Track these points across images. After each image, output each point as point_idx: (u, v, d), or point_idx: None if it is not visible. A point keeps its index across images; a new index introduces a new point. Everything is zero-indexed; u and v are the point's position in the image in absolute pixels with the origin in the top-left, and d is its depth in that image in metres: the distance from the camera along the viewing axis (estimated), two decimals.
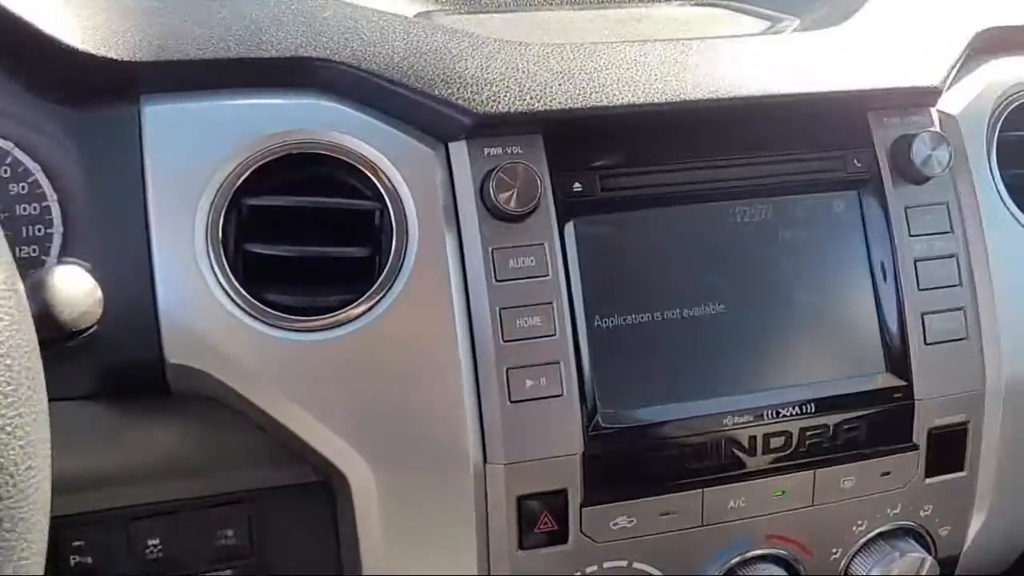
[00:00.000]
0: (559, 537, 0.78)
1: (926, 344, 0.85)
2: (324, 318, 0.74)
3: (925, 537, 0.89)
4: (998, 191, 0.90)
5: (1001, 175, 0.91)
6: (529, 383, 0.76)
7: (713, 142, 0.83)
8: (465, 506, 0.76)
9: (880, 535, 0.88)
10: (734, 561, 0.84)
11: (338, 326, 0.74)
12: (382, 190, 0.76)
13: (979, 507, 0.91)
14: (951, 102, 0.91)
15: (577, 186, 0.79)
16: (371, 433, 0.75)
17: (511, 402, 0.76)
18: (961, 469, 0.89)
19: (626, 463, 0.79)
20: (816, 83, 0.84)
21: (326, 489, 0.79)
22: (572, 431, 0.77)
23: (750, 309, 0.82)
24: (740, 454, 0.82)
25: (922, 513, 0.89)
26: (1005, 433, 0.89)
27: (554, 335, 0.77)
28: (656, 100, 0.79)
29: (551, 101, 0.77)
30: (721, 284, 0.82)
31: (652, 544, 0.81)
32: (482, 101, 0.76)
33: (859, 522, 0.87)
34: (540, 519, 0.78)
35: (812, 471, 0.84)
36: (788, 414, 0.82)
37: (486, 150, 0.78)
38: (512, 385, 0.76)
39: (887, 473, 0.86)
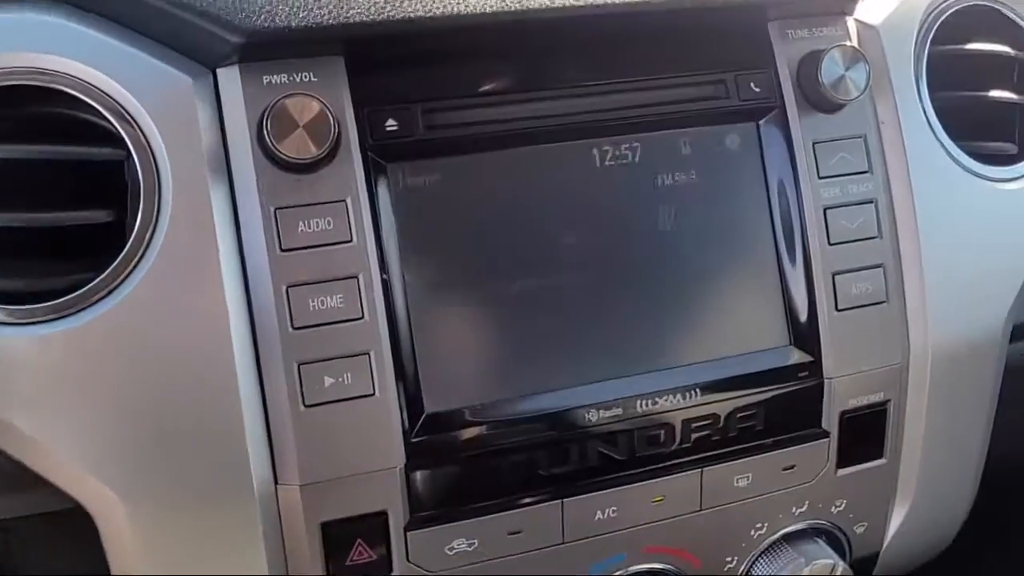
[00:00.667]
0: (380, 567, 0.63)
1: (837, 311, 0.70)
2: (50, 304, 0.56)
3: (838, 537, 0.75)
4: (927, 120, 0.73)
5: (931, 99, 0.75)
6: (329, 381, 0.59)
7: (568, 66, 0.65)
8: (252, 540, 0.60)
9: (785, 537, 0.73)
10: None
11: (69, 314, 0.56)
12: (124, 134, 0.57)
13: (901, 499, 0.77)
14: (871, 10, 0.74)
15: (392, 124, 0.61)
16: (118, 454, 0.57)
17: (306, 406, 0.59)
18: (880, 456, 0.74)
19: (462, 474, 0.63)
20: None
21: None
22: (389, 439, 0.61)
23: (619, 275, 0.66)
24: (609, 454, 0.66)
25: (834, 510, 0.74)
26: (932, 410, 0.74)
27: (361, 318, 0.60)
28: (491, 10, 0.61)
29: (350, 11, 0.59)
30: (582, 245, 0.65)
31: (500, 568, 0.65)
32: (255, 10, 0.58)
33: (758, 525, 0.72)
34: (353, 549, 0.62)
35: (698, 470, 0.68)
36: (667, 404, 0.66)
37: (266, 78, 0.59)
38: (306, 384, 0.59)
39: (791, 467, 0.71)
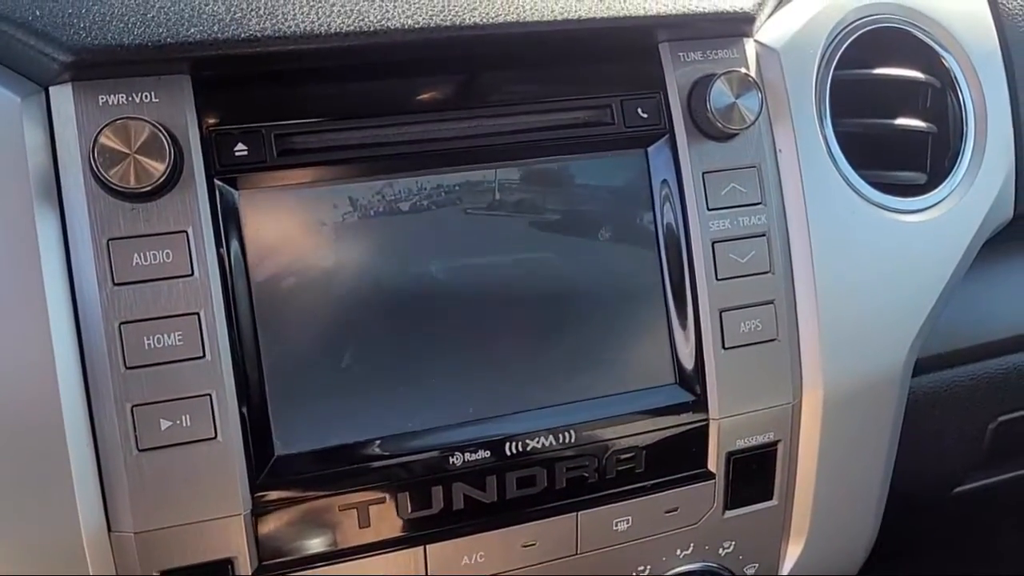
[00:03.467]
0: None
1: (724, 349, 0.66)
2: None
3: None
4: (828, 148, 0.70)
5: (835, 126, 0.72)
6: (166, 424, 0.56)
7: (437, 88, 0.61)
8: None
9: None
10: None
11: None
12: None
13: (795, 538, 0.74)
14: (773, 31, 0.70)
15: (241, 148, 0.57)
16: None
17: (140, 450, 0.55)
18: (770, 498, 0.71)
19: (316, 519, 0.60)
20: (586, 4, 0.62)
21: None
22: (232, 484, 0.57)
23: (491, 311, 0.62)
24: (476, 498, 0.63)
25: (722, 552, 0.71)
26: (825, 450, 0.71)
27: (202, 357, 0.56)
28: (347, 29, 0.57)
29: (190, 29, 0.55)
30: (451, 280, 0.61)
31: None
32: (85, 27, 0.54)
33: (640, 568, 0.69)
34: None
35: (574, 514, 0.65)
36: (539, 445, 0.63)
37: (102, 97, 0.55)
38: (140, 427, 0.55)
39: (674, 509, 0.68)
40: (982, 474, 0.97)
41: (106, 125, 0.52)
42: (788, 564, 0.75)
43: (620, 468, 0.66)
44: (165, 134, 0.53)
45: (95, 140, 0.52)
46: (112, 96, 0.55)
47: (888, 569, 1.01)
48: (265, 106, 0.58)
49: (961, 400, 0.85)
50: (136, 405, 0.55)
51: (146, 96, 0.56)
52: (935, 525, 1.04)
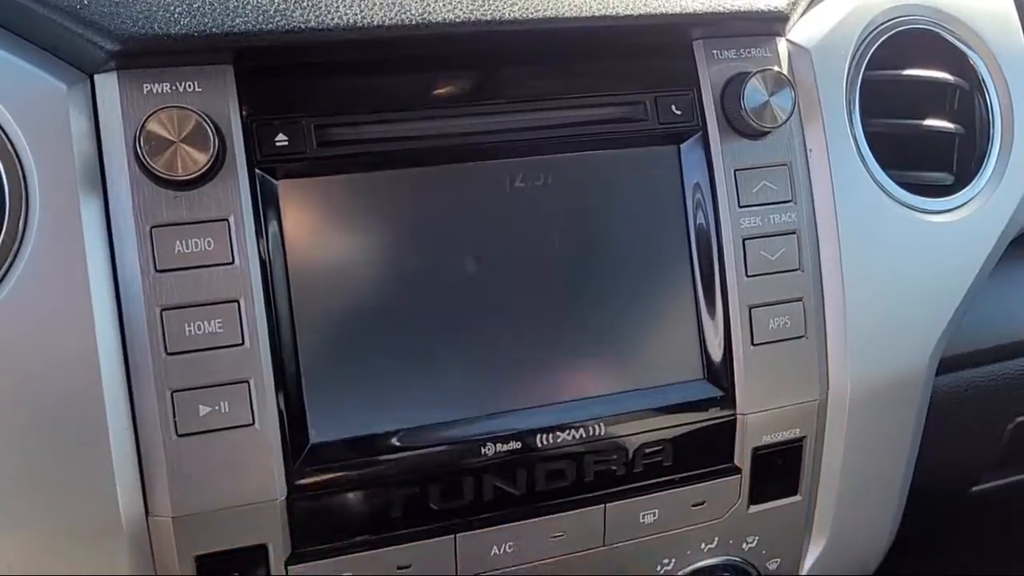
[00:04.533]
0: None
1: (753, 345, 0.67)
2: None
3: (749, 573, 0.73)
4: (857, 147, 0.71)
5: (865, 126, 0.72)
6: (205, 410, 0.56)
7: (476, 82, 0.62)
8: (121, 573, 0.57)
9: (694, 573, 0.71)
10: None
11: None
12: None
13: (817, 535, 0.75)
14: (806, 30, 0.71)
15: (282, 139, 0.58)
16: None
17: (179, 435, 0.56)
18: (795, 493, 0.72)
19: (349, 506, 0.60)
20: (624, 0, 0.63)
21: None
22: (268, 470, 0.58)
23: (525, 304, 0.63)
24: (506, 488, 0.63)
25: (745, 546, 0.72)
26: (850, 448, 0.72)
27: (242, 344, 0.56)
28: (389, 22, 0.58)
29: (235, 19, 0.55)
30: (486, 272, 0.62)
31: None
32: (132, 16, 0.54)
33: (665, 560, 0.70)
34: None
35: (602, 506, 0.66)
36: (569, 438, 0.64)
37: (146, 86, 0.55)
38: (179, 413, 0.56)
39: (701, 503, 0.69)
40: (999, 474, 0.98)
41: (153, 113, 0.53)
42: (809, 560, 0.76)
43: (648, 461, 0.66)
44: (209, 123, 0.54)
45: (141, 127, 0.53)
46: (156, 85, 0.56)
47: (903, 566, 1.02)
48: (305, 97, 0.59)
49: (981, 400, 0.86)
50: (176, 391, 0.56)
51: (190, 85, 0.57)
52: (951, 523, 1.05)
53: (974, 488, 0.98)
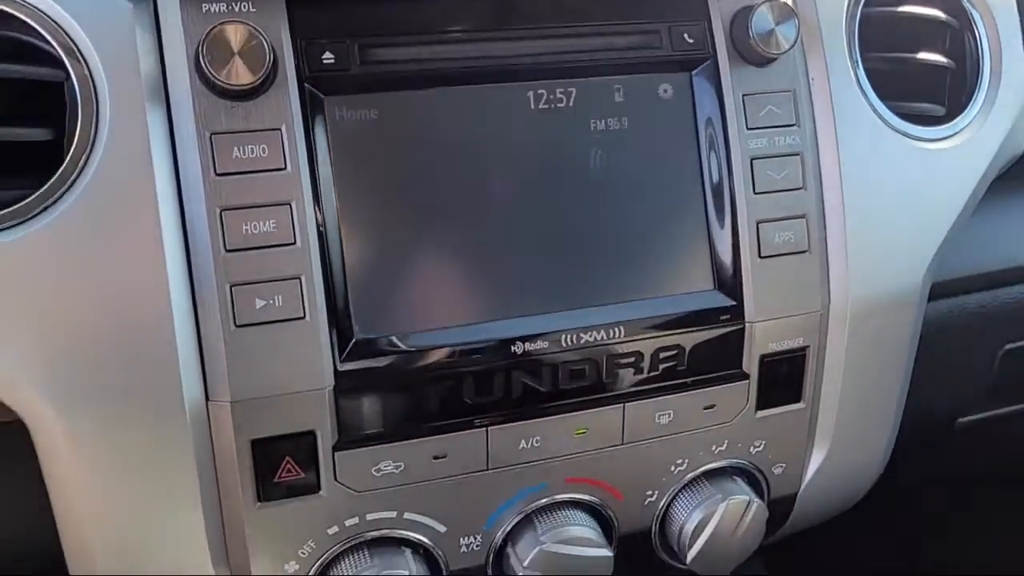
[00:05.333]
0: (309, 487, 0.65)
1: (760, 258, 0.72)
2: None
3: (756, 476, 0.78)
4: (856, 78, 0.76)
5: (863, 59, 0.77)
6: (260, 303, 0.61)
7: (507, 9, 0.67)
8: (184, 455, 0.62)
9: (704, 474, 0.77)
10: (529, 509, 0.72)
11: (6, 228, 0.58)
12: (63, 55, 0.59)
13: (819, 442, 0.80)
14: None
15: (328, 57, 0.63)
16: (52, 366, 0.59)
17: (237, 326, 0.61)
18: (798, 400, 0.77)
19: (389, 399, 0.65)
20: None
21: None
22: (317, 361, 0.63)
23: (549, 215, 0.68)
24: (533, 386, 0.68)
25: (752, 450, 0.77)
26: (850, 359, 0.77)
27: (293, 243, 0.62)
28: None
29: None
30: (514, 184, 0.67)
31: (426, 491, 0.68)
32: None
33: (678, 461, 0.75)
34: (282, 466, 0.64)
35: (621, 405, 0.71)
36: (592, 339, 0.69)
37: (205, 6, 0.61)
38: (238, 305, 0.61)
39: (711, 407, 0.74)
40: (986, 406, 1.03)
41: (216, 26, 0.58)
42: (812, 467, 0.81)
43: (663, 365, 0.71)
44: (264, 38, 0.59)
45: (205, 38, 0.58)
46: (214, 5, 0.61)
47: (888, 502, 1.07)
48: (350, 20, 0.64)
49: (970, 327, 0.92)
50: (235, 285, 0.61)
51: (244, 6, 0.62)
52: (938, 455, 1.10)
53: (961, 420, 1.03)
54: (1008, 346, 0.94)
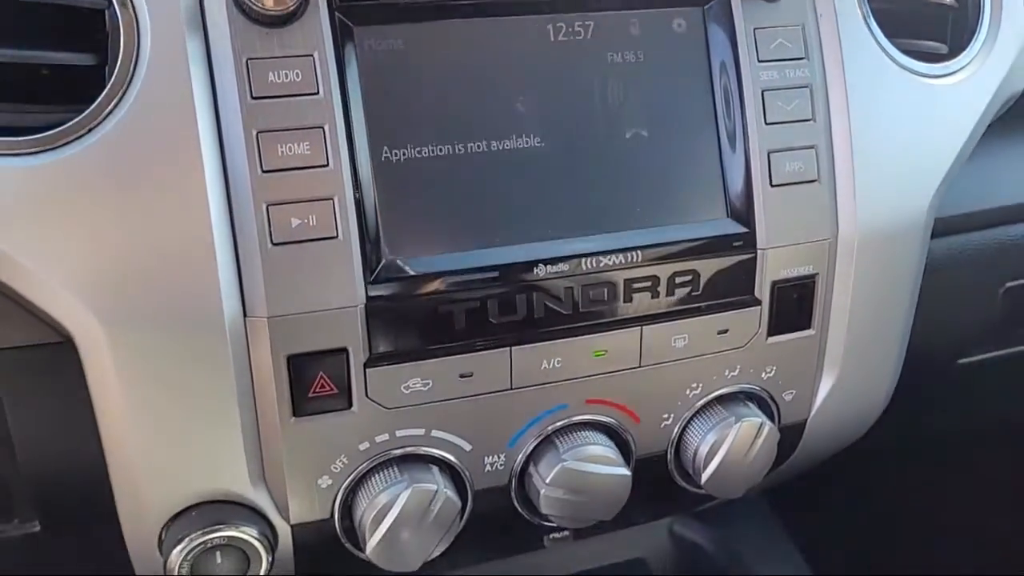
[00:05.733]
0: (341, 402, 0.68)
1: (772, 186, 0.75)
2: (35, 138, 0.60)
3: (767, 402, 0.81)
4: (863, 15, 0.79)
5: None
6: (296, 222, 0.64)
7: None
8: (223, 369, 0.64)
9: (717, 399, 0.80)
10: (550, 429, 0.75)
11: (53, 148, 0.60)
12: None
13: (828, 369, 0.83)
14: None
15: None
16: (99, 281, 0.62)
17: (273, 244, 0.64)
18: (808, 327, 0.80)
19: (418, 318, 0.68)
20: None
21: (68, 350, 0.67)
22: (350, 279, 0.65)
23: (569, 143, 0.71)
24: (554, 308, 0.71)
25: (764, 376, 0.80)
26: (858, 287, 0.80)
27: (327, 166, 0.64)
28: None
29: None
30: (535, 113, 0.70)
31: (453, 409, 0.71)
32: None
33: (693, 385, 0.78)
34: (316, 382, 0.67)
35: (639, 328, 0.74)
36: (610, 263, 0.72)
37: None
38: (274, 223, 0.63)
39: (725, 331, 0.77)
40: (987, 347, 1.06)
41: None
42: (821, 394, 0.84)
43: (679, 290, 0.74)
44: None
45: None
46: None
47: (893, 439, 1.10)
48: None
49: (972, 265, 0.94)
50: (271, 204, 0.63)
51: None
52: (939, 401, 1.13)
53: (962, 360, 1.06)
54: (1009, 284, 0.96)
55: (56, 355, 0.68)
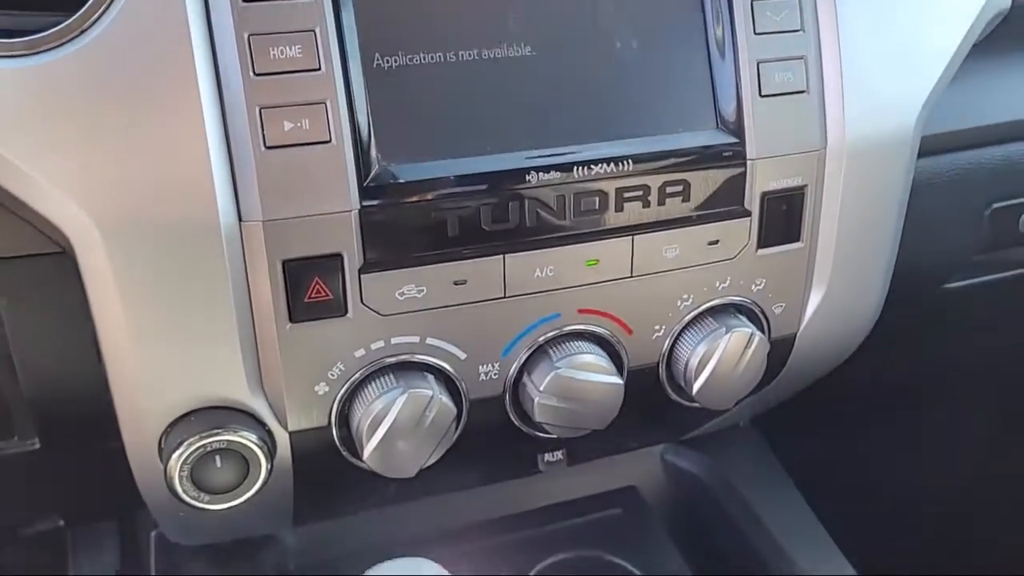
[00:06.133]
0: (336, 308, 0.69)
1: (761, 97, 0.75)
2: (27, 40, 0.60)
3: (757, 315, 0.82)
4: None
5: None
6: (288, 125, 0.64)
7: None
8: (219, 275, 0.65)
9: (708, 311, 0.81)
10: (543, 339, 0.76)
11: (45, 50, 0.60)
12: None
13: (817, 283, 0.84)
14: None
15: None
16: (94, 184, 0.62)
17: (267, 148, 0.64)
18: (798, 240, 0.81)
19: (411, 224, 0.68)
20: None
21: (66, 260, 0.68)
22: (343, 185, 0.66)
23: (561, 51, 0.71)
24: (547, 216, 0.72)
25: (754, 288, 0.81)
26: (847, 200, 0.81)
27: (319, 70, 0.64)
28: None
29: None
30: (527, 21, 0.70)
31: (447, 317, 0.72)
32: None
33: (684, 297, 0.79)
34: (311, 287, 0.68)
35: (630, 237, 0.75)
36: (602, 171, 0.72)
37: None
38: (267, 127, 0.64)
39: (715, 242, 0.78)
40: (972, 272, 1.08)
41: None
42: (810, 308, 0.85)
43: (670, 199, 0.75)
44: None
45: None
46: None
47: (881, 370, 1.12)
48: None
49: (958, 184, 0.95)
50: (264, 107, 0.64)
51: None
52: (926, 323, 1.14)
53: (946, 285, 1.07)
54: (996, 205, 0.98)
55: (55, 265, 0.68)
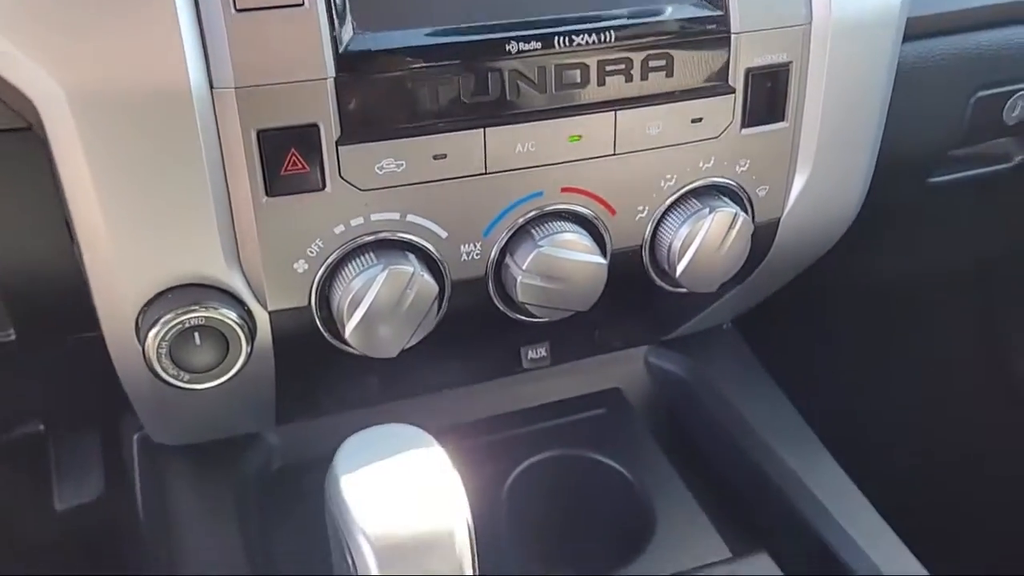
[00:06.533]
0: (314, 181, 0.67)
1: None
2: None
3: (741, 197, 0.81)
4: None
5: None
6: None
7: None
8: (192, 145, 0.63)
9: (691, 193, 0.80)
10: (524, 219, 0.75)
11: None
12: None
13: (801, 165, 0.83)
14: None
15: None
16: (62, 51, 0.60)
17: (237, 11, 0.62)
18: (782, 119, 0.80)
19: (389, 94, 0.67)
20: None
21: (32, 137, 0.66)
22: (317, 51, 0.64)
23: None
24: (528, 88, 0.70)
25: (738, 169, 0.80)
26: (832, 80, 0.79)
27: None
28: None
29: None
30: None
31: (428, 194, 0.71)
32: None
33: (667, 176, 0.78)
34: (288, 159, 0.66)
35: (612, 112, 0.73)
36: (583, 43, 0.70)
37: None
38: None
39: (699, 120, 0.76)
40: (956, 166, 1.07)
41: None
42: (794, 192, 0.84)
43: (652, 74, 0.73)
44: None
45: None
46: None
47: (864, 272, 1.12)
48: None
49: (943, 70, 0.94)
50: None
51: None
52: (909, 222, 1.15)
53: (931, 179, 1.07)
54: (980, 93, 0.97)
55: (23, 142, 0.66)
